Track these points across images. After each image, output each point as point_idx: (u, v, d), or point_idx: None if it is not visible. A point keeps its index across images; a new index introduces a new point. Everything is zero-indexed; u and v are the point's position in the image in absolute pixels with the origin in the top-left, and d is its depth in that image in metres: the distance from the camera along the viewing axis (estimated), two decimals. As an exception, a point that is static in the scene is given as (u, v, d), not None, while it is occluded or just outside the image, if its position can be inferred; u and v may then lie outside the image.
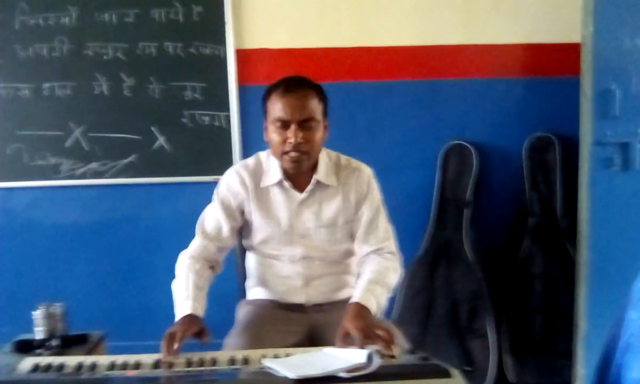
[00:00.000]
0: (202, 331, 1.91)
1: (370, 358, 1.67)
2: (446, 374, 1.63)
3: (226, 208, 2.21)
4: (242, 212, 2.24)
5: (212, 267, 2.19)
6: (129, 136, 3.43)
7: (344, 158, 2.27)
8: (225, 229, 2.20)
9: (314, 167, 2.18)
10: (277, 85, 2.10)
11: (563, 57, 3.41)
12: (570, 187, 3.34)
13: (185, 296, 2.02)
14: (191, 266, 2.13)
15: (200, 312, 1.99)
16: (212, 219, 2.22)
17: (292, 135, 2.05)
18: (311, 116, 2.07)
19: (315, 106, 2.08)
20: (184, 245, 3.53)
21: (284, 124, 2.06)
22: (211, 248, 2.20)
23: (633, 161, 2.94)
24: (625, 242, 2.95)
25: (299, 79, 2.13)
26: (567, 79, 3.29)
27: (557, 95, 3.44)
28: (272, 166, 2.20)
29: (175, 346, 1.77)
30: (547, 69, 3.47)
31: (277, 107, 2.07)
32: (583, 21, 2.97)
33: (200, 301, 2.02)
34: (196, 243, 2.21)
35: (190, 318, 1.95)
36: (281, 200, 2.20)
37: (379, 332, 1.84)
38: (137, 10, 3.38)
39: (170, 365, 1.73)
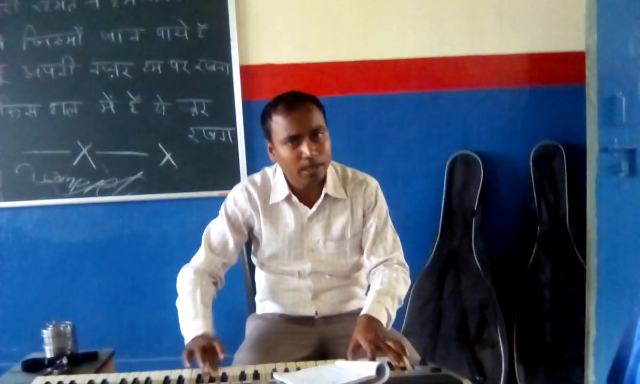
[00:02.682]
0: (220, 346, 1.89)
1: (381, 370, 1.66)
2: (458, 385, 1.62)
3: (233, 224, 2.21)
4: (250, 229, 2.24)
5: (215, 283, 2.18)
6: (136, 153, 3.44)
7: (350, 171, 2.27)
8: (231, 245, 2.20)
9: (322, 181, 2.18)
10: (277, 104, 2.08)
11: (568, 65, 3.41)
12: (577, 194, 3.34)
13: (194, 314, 2.00)
14: (197, 282, 2.11)
15: (211, 330, 1.97)
16: (219, 233, 2.21)
17: (306, 148, 2.03)
18: (320, 125, 2.06)
19: (319, 116, 2.08)
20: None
21: (295, 140, 2.05)
22: (216, 263, 2.19)
23: (639, 167, 2.93)
24: (633, 248, 2.94)
25: (295, 94, 2.11)
26: (572, 87, 3.30)
27: (562, 103, 3.44)
28: (279, 182, 2.19)
29: (221, 356, 1.78)
30: (552, 77, 3.48)
31: (284, 125, 2.05)
32: (587, 29, 2.98)
33: (209, 319, 2.01)
34: (201, 257, 2.19)
35: (206, 337, 1.92)
36: (290, 216, 2.20)
37: (390, 344, 1.83)
38: (142, 29, 3.40)
39: (212, 379, 1.73)
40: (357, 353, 1.86)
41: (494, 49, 3.46)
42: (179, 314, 2.05)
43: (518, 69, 3.50)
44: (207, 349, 1.81)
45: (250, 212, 2.20)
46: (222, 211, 2.24)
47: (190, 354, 1.81)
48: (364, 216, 2.23)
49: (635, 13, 2.91)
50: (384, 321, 2.00)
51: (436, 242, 3.47)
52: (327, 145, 2.10)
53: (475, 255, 3.40)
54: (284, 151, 2.08)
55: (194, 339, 1.91)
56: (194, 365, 1.80)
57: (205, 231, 2.24)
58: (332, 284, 2.27)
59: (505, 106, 3.51)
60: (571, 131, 3.36)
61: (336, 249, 2.23)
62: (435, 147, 3.51)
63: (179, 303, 2.09)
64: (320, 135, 2.06)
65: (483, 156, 3.47)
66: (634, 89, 2.92)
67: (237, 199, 2.22)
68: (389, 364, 1.73)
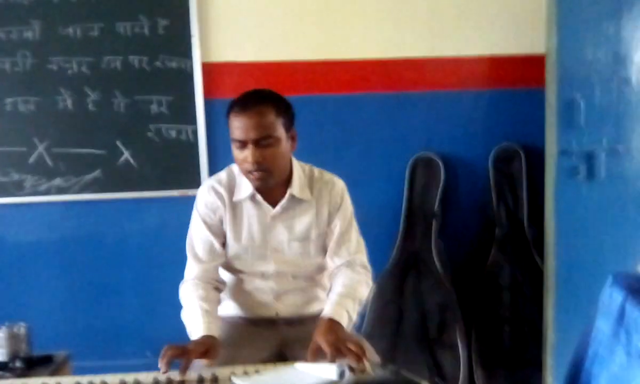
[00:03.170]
0: (209, 350, 1.88)
1: (341, 372, 1.66)
2: (418, 388, 1.63)
3: (210, 226, 2.18)
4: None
5: (216, 288, 2.18)
6: (93, 151, 3.38)
7: (317, 171, 2.26)
8: (217, 246, 2.18)
9: (287, 181, 2.17)
10: (235, 103, 2.07)
11: (528, 68, 3.45)
12: (536, 197, 3.38)
13: (195, 322, 2.01)
14: (195, 292, 2.10)
15: (213, 331, 1.98)
16: (201, 240, 2.19)
17: (249, 155, 2.02)
18: (267, 134, 2.02)
19: (272, 122, 2.03)
20: (151, 261, 3.50)
21: (242, 144, 2.04)
22: (208, 270, 2.18)
23: (598, 170, 2.97)
24: (591, 251, 2.98)
25: (255, 94, 2.09)
26: (532, 90, 3.33)
27: (522, 106, 3.48)
28: (244, 180, 2.17)
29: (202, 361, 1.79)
30: (512, 80, 3.51)
31: (234, 127, 2.04)
32: (547, 33, 3.02)
33: (211, 323, 2.00)
34: (193, 270, 2.17)
35: (202, 338, 1.93)
36: (254, 214, 2.18)
37: (350, 346, 1.83)
38: (101, 24, 3.34)
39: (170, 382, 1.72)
40: (317, 355, 1.85)
41: (455, 51, 3.49)
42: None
43: (479, 72, 3.53)
44: (186, 351, 1.81)
45: (221, 210, 2.18)
46: (196, 218, 2.21)
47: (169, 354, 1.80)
48: (329, 216, 2.22)
49: (595, 17, 2.94)
50: (344, 323, 2.01)
51: (397, 243, 3.47)
52: (278, 152, 2.06)
53: (435, 257, 3.42)
54: (234, 151, 2.08)
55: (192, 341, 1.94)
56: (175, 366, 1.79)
57: (188, 242, 2.21)
58: (295, 285, 2.25)
59: (466, 108, 3.53)
60: (530, 133, 3.40)
61: (300, 250, 2.21)
62: (396, 148, 3.52)
63: (184, 317, 2.09)
64: (269, 142, 2.03)
65: (444, 158, 3.49)
66: (592, 93, 2.96)
67: (206, 200, 2.20)
68: (349, 366, 1.73)
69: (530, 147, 3.43)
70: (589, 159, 2.97)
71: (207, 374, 1.75)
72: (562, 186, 3.01)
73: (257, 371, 1.77)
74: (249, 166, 2.04)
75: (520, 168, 3.47)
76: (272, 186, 2.13)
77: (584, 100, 2.96)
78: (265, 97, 2.09)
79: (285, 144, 2.10)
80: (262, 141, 2.02)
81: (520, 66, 3.49)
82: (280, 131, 2.07)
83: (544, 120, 3.06)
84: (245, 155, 2.04)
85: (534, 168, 3.39)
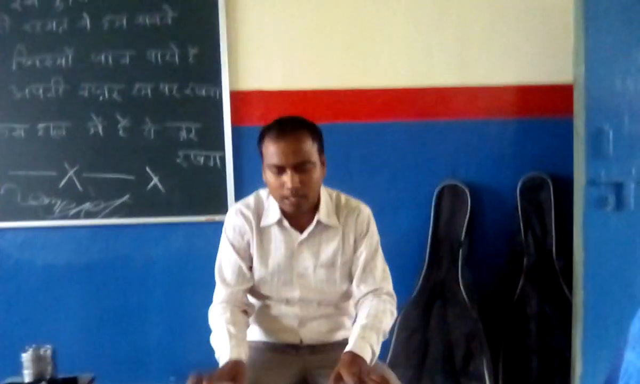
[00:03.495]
0: (236, 377, 1.88)
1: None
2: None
3: (238, 250, 2.19)
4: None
5: (244, 311, 2.18)
6: (123, 176, 3.42)
7: (343, 197, 2.26)
8: (245, 270, 2.19)
9: (315, 207, 2.17)
10: (270, 129, 2.08)
11: (555, 97, 3.42)
12: (564, 227, 3.34)
13: (223, 346, 2.01)
14: (223, 316, 2.10)
15: (241, 355, 1.98)
16: (229, 264, 2.19)
17: (288, 180, 2.02)
18: (306, 159, 2.05)
19: (309, 147, 2.06)
20: (177, 286, 3.52)
21: (280, 170, 2.04)
22: (238, 293, 2.18)
23: (627, 200, 2.93)
24: (620, 282, 2.93)
25: (291, 120, 2.11)
26: (560, 119, 3.31)
27: (550, 135, 3.45)
28: (271, 205, 2.18)
29: None
30: (540, 109, 3.49)
31: (271, 152, 2.05)
32: (575, 62, 3.00)
33: (239, 346, 2.00)
34: (221, 293, 2.18)
35: (229, 365, 1.93)
36: (281, 240, 2.19)
37: (373, 377, 1.82)
38: (133, 52, 3.39)
39: None
40: (339, 382, 1.84)
41: (482, 80, 3.48)
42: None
43: (506, 100, 3.51)
44: (212, 379, 1.81)
45: (248, 234, 2.19)
46: (224, 242, 2.22)
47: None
48: (355, 243, 2.22)
49: (623, 46, 2.93)
50: (367, 358, 1.99)
51: (423, 272, 3.44)
52: (314, 177, 2.09)
53: (461, 286, 3.38)
54: (269, 176, 2.09)
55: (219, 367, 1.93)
56: None
57: (216, 266, 2.22)
58: (320, 312, 2.25)
59: (493, 136, 3.52)
60: (558, 163, 3.37)
61: (326, 276, 2.21)
62: (423, 176, 3.51)
63: (212, 341, 2.09)
64: (307, 167, 2.05)
65: (471, 186, 3.47)
66: (621, 122, 2.93)
67: (234, 224, 2.21)
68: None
69: (559, 176, 3.40)
70: (618, 189, 2.94)
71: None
72: (590, 216, 2.97)
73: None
74: (285, 191, 2.04)
75: (548, 198, 3.43)
76: (303, 211, 2.14)
77: (613, 129, 2.92)
78: (301, 123, 2.11)
79: (319, 169, 2.11)
80: (301, 166, 2.03)
81: (548, 95, 3.47)
82: (316, 157, 2.09)
83: (572, 149, 3.03)
84: (282, 180, 2.04)
85: (562, 198, 3.35)
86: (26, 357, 2.42)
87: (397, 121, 3.51)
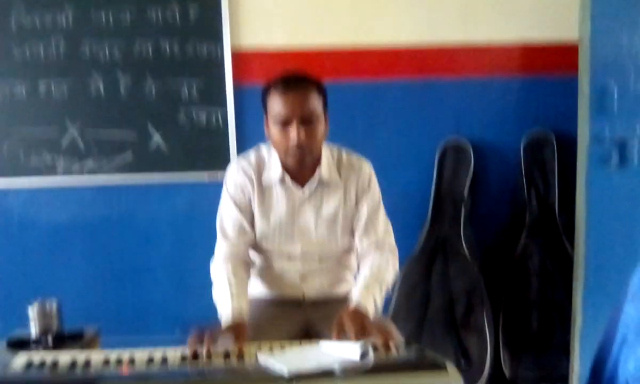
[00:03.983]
0: (236, 338, 1.87)
1: (364, 353, 1.66)
2: (442, 368, 1.62)
3: (239, 206, 2.20)
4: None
5: (245, 266, 2.20)
6: (125, 133, 3.42)
7: (345, 154, 2.26)
8: (246, 225, 2.20)
9: (316, 163, 2.17)
10: (277, 82, 2.08)
11: (560, 55, 3.40)
12: (567, 184, 3.34)
13: (224, 305, 2.03)
14: (225, 271, 2.12)
15: (242, 313, 2.00)
16: (231, 218, 2.20)
17: (294, 133, 2.03)
18: (312, 112, 2.05)
19: (315, 102, 2.07)
20: (180, 242, 3.54)
21: (285, 122, 2.04)
22: (239, 248, 2.20)
23: (630, 157, 2.93)
24: (621, 238, 2.94)
25: (298, 74, 2.12)
26: (565, 77, 3.29)
27: (554, 93, 3.43)
28: (273, 161, 2.18)
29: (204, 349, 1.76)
30: (545, 67, 3.47)
31: (277, 105, 2.05)
32: (581, 20, 2.97)
33: (241, 305, 2.02)
34: (223, 248, 2.20)
35: (229, 326, 1.94)
36: (282, 196, 2.19)
37: (375, 331, 1.83)
38: (133, 9, 3.36)
39: (196, 356, 1.73)
40: (342, 332, 1.86)
41: (487, 38, 3.45)
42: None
43: (511, 58, 3.49)
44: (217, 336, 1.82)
45: (249, 189, 2.20)
46: (225, 197, 2.23)
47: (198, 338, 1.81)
48: (356, 199, 2.22)
49: (629, 4, 2.90)
50: (371, 310, 2.02)
51: (425, 228, 3.46)
52: (319, 131, 2.09)
53: (463, 242, 3.40)
54: (274, 130, 2.08)
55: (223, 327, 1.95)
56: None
57: (218, 221, 2.23)
58: (321, 267, 2.27)
59: (497, 94, 3.50)
60: (562, 120, 3.36)
61: (327, 231, 2.22)
62: (426, 134, 3.50)
63: (214, 296, 2.11)
64: (312, 121, 2.05)
65: (474, 144, 3.46)
66: (626, 80, 2.91)
67: (235, 180, 2.21)
68: (373, 346, 1.73)
69: (562, 133, 3.39)
70: (622, 146, 2.93)
71: (233, 349, 1.76)
72: (593, 173, 2.97)
73: (282, 348, 1.78)
74: (291, 143, 2.04)
75: (551, 154, 3.43)
76: (306, 166, 2.14)
77: (617, 87, 2.91)
78: (308, 77, 2.12)
79: (323, 125, 2.11)
80: (307, 119, 2.04)
81: (553, 53, 3.45)
82: (321, 111, 2.10)
83: (577, 107, 3.02)
84: (287, 134, 2.04)
85: (566, 155, 3.35)
86: (32, 310, 2.46)
87: (400, 79, 3.49)
